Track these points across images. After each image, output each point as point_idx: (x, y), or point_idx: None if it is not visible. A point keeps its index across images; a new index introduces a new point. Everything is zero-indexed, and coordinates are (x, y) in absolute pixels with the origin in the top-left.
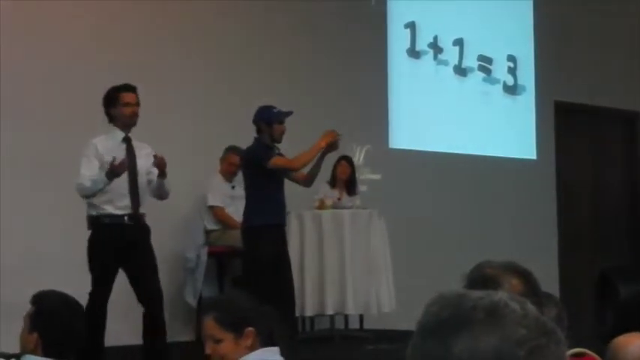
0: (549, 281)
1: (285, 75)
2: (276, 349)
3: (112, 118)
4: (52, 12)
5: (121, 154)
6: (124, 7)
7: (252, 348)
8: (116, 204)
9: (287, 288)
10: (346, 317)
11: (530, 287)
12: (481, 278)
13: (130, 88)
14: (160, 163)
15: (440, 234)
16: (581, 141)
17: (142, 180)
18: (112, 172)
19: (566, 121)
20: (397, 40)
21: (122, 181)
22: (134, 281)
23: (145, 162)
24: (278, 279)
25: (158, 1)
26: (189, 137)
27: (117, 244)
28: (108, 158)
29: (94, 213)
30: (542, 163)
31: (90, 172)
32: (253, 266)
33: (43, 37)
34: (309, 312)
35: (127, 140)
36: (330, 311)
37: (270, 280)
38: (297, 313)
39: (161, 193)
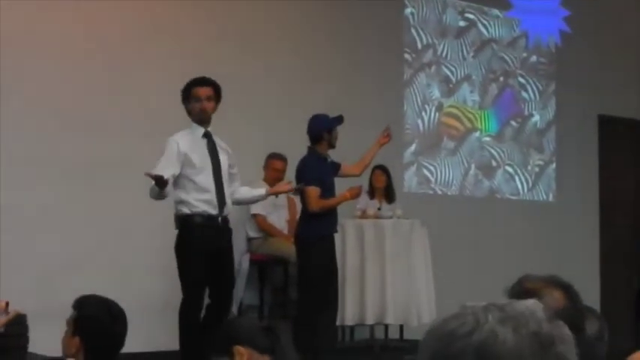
0: (590, 295)
1: (326, 78)
2: None
3: (189, 113)
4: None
5: (202, 149)
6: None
7: None
8: (202, 197)
9: (332, 297)
10: (386, 327)
11: (571, 300)
12: (523, 292)
13: (201, 82)
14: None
15: (481, 244)
16: (624, 154)
17: (224, 175)
18: (157, 182)
19: (609, 135)
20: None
21: (206, 176)
22: (214, 289)
23: (225, 157)
24: (326, 288)
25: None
26: (231, 144)
27: (208, 247)
28: (191, 155)
29: (185, 211)
30: (584, 176)
31: (162, 172)
32: (303, 275)
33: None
34: (349, 321)
35: (207, 135)
36: (370, 321)
37: (318, 290)
38: (338, 323)
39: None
